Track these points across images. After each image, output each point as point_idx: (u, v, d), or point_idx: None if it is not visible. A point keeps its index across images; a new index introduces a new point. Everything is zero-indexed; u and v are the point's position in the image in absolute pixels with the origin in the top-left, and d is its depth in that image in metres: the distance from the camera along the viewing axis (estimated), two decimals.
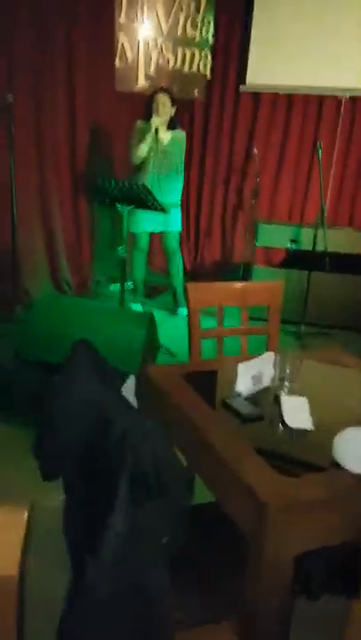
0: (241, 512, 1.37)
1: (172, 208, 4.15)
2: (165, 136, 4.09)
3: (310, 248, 4.16)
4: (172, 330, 3.80)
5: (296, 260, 4.45)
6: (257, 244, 4.53)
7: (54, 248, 4.44)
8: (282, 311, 2.39)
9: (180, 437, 1.65)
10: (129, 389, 1.48)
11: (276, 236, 4.51)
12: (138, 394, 1.64)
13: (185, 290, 2.28)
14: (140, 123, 4.15)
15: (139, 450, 1.21)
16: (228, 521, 1.43)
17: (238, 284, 2.37)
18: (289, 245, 4.40)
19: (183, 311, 4.20)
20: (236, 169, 5.32)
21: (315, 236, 4.12)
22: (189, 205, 5.44)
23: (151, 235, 4.38)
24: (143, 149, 4.06)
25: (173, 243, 4.36)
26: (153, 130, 4.02)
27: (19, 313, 3.83)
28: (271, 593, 1.32)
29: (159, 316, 3.71)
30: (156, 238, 4.60)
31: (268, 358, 1.83)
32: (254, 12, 4.97)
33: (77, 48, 4.43)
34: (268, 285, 2.46)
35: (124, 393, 1.43)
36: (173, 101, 4.14)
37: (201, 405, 1.67)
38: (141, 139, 4.06)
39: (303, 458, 1.47)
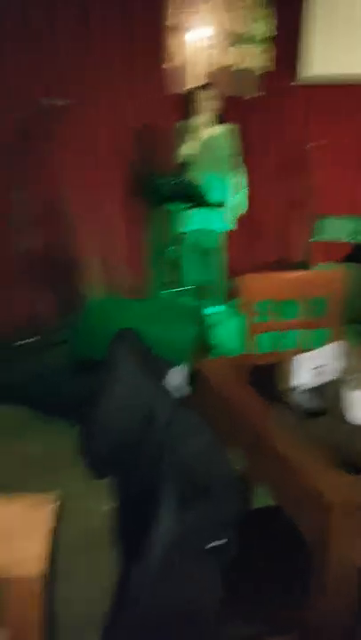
0: (303, 516, 1.23)
1: (219, 206, 4.00)
2: (208, 132, 3.93)
3: None
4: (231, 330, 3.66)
5: (359, 253, 4.23)
6: (315, 239, 4.34)
7: (109, 251, 4.42)
8: (347, 309, 2.22)
9: (236, 435, 1.53)
10: (176, 377, 1.37)
11: (335, 230, 4.31)
12: (188, 387, 1.53)
13: (239, 283, 2.14)
14: (182, 122, 4.02)
15: (179, 449, 1.10)
16: (289, 527, 1.29)
17: (294, 275, 2.23)
18: (350, 238, 4.18)
19: (216, 309, 4.03)
20: (291, 164, 5.14)
21: None
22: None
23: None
24: (186, 148, 3.91)
25: (219, 242, 4.20)
26: (196, 128, 3.89)
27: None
28: (337, 606, 1.17)
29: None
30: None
31: (332, 349, 1.68)
32: (309, 4, 4.80)
33: (128, 50, 4.41)
34: (326, 274, 2.30)
35: (170, 381, 1.33)
36: (216, 97, 3.98)
37: (256, 400, 1.54)
38: (184, 138, 3.92)
39: None
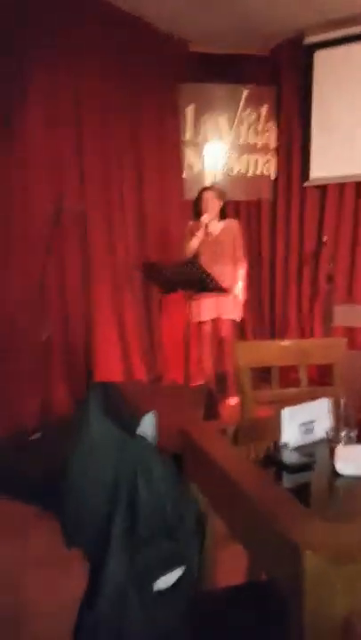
0: (277, 566, 1.11)
1: (226, 297, 4.16)
2: (216, 228, 4.23)
3: None
4: None
5: None
6: (334, 325, 4.30)
7: (126, 341, 4.49)
8: None
9: (217, 497, 1.43)
10: (148, 425, 1.32)
11: (354, 318, 4.28)
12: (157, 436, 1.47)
13: (234, 351, 2.12)
14: (191, 223, 4.34)
15: (135, 490, 1.05)
16: (281, 601, 1.16)
17: (294, 342, 2.18)
18: None
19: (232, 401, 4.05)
20: (308, 259, 5.25)
21: None
22: (263, 299, 5.37)
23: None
24: (195, 243, 4.19)
25: (226, 332, 4.31)
26: (204, 225, 4.18)
27: None
28: None
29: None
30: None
31: (322, 404, 1.61)
32: (313, 111, 5.14)
33: (147, 163, 4.77)
34: (328, 342, 2.25)
35: (143, 429, 1.28)
36: (219, 196, 4.31)
37: (239, 460, 1.46)
38: (192, 235, 4.22)
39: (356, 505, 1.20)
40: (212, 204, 4.24)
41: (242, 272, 4.31)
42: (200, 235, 4.17)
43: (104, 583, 0.95)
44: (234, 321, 4.37)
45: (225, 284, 4.03)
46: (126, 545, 0.96)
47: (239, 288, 4.28)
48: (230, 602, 1.19)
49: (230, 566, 1.83)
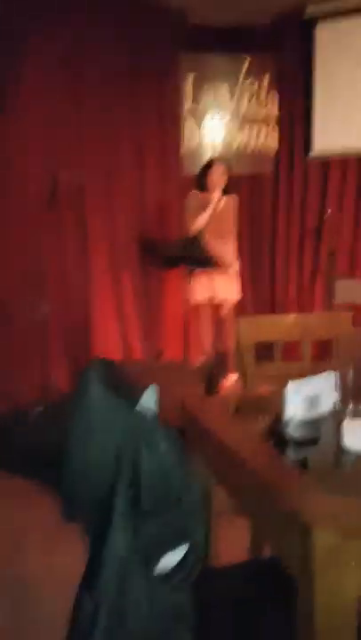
0: (285, 545, 1.07)
1: (227, 275, 4.11)
2: (222, 204, 4.12)
3: None
4: None
5: None
6: (336, 302, 4.25)
7: (125, 319, 4.43)
8: None
9: (221, 471, 1.40)
10: (149, 398, 1.28)
11: (356, 293, 4.22)
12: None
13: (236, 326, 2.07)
14: (196, 193, 4.18)
15: (138, 462, 1.00)
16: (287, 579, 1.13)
17: (298, 316, 2.14)
18: None
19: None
20: (311, 233, 5.18)
21: None
22: (263, 274, 5.31)
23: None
24: (204, 219, 4.07)
25: (224, 309, 4.23)
26: (215, 201, 4.05)
27: None
28: None
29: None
30: None
31: (328, 378, 1.56)
32: (315, 82, 5.02)
33: (146, 134, 4.66)
34: (332, 316, 2.20)
35: (144, 403, 1.24)
36: (224, 173, 4.18)
37: (242, 433, 1.42)
38: (199, 209, 4.08)
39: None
40: (222, 180, 4.11)
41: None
42: (210, 211, 4.05)
43: (105, 560, 0.91)
44: (233, 300, 4.29)
45: (227, 261, 3.97)
46: (130, 517, 0.92)
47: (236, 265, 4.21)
48: (236, 579, 1.16)
49: (232, 541, 1.81)
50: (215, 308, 4.31)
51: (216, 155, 5.17)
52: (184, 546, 0.94)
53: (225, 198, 4.16)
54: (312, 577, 0.98)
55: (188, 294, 4.07)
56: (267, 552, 1.72)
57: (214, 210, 4.09)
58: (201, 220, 4.07)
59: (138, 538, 0.90)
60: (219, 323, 4.33)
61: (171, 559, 0.92)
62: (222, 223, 4.14)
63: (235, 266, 4.19)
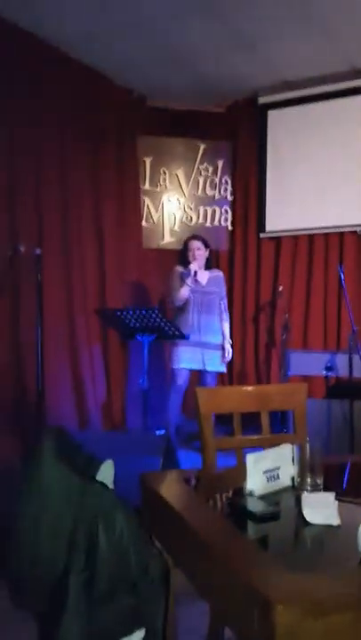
0: (245, 626, 1.03)
1: (213, 348, 4.22)
2: (204, 277, 4.26)
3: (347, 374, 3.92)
4: None
5: (335, 388, 4.17)
6: (290, 374, 4.31)
7: (81, 389, 4.37)
8: (327, 446, 2.12)
9: (180, 551, 1.35)
10: (106, 472, 1.25)
11: (309, 365, 4.30)
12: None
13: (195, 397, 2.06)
14: (179, 268, 4.34)
15: (94, 543, 0.97)
16: None
17: (255, 387, 2.15)
18: (325, 372, 4.15)
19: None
20: (265, 308, 5.32)
21: (350, 361, 3.89)
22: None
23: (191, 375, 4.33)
24: (185, 291, 4.21)
25: (210, 383, 4.28)
26: (193, 273, 4.20)
27: None
28: None
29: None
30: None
31: (286, 451, 1.56)
32: (267, 168, 5.31)
33: (106, 212, 4.79)
34: (289, 387, 2.23)
35: (101, 475, 1.20)
36: (206, 245, 4.37)
37: (201, 510, 1.39)
38: (182, 283, 4.23)
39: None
40: (199, 253, 4.28)
41: (226, 325, 4.37)
42: (190, 283, 4.19)
43: None
44: (218, 373, 4.37)
45: (213, 335, 4.12)
46: (84, 601, 0.87)
47: (229, 341, 4.34)
48: None
49: (191, 626, 1.72)
50: (194, 379, 4.33)
51: (173, 232, 5.36)
52: (141, 632, 0.89)
53: (207, 272, 4.31)
54: None
55: (173, 361, 4.15)
56: (228, 636, 1.64)
57: (197, 283, 4.22)
58: (182, 293, 4.20)
59: (92, 624, 0.85)
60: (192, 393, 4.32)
61: None
62: (206, 297, 4.27)
63: (226, 342, 4.30)
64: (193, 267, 4.20)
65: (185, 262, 4.30)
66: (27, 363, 3.87)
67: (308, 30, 4.15)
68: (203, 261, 4.31)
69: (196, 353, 4.14)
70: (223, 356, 4.29)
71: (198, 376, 4.35)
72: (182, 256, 4.37)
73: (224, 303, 4.40)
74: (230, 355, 4.37)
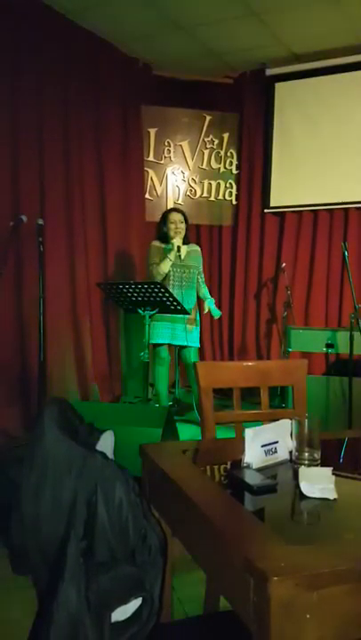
0: (241, 598, 1.05)
1: (190, 323, 4.16)
2: (183, 252, 4.18)
3: (347, 351, 3.91)
4: None
5: (335, 365, 4.18)
6: (290, 350, 4.31)
7: (83, 361, 4.38)
8: (325, 422, 2.12)
9: (178, 521, 1.37)
10: (107, 442, 1.26)
11: (310, 341, 4.29)
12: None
13: (195, 370, 2.07)
14: (157, 243, 4.25)
15: (93, 512, 0.97)
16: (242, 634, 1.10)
17: (256, 363, 2.15)
18: (325, 350, 4.15)
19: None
20: (267, 284, 5.30)
21: (351, 339, 3.89)
22: (222, 322, 5.37)
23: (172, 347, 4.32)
24: (166, 266, 4.12)
25: (193, 357, 4.26)
26: (175, 248, 4.10)
27: None
28: None
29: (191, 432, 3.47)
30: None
31: (284, 426, 1.57)
32: (273, 142, 5.24)
33: (109, 184, 4.74)
34: (289, 364, 2.23)
35: (102, 446, 1.21)
36: (185, 219, 4.26)
37: (199, 480, 1.40)
38: (162, 257, 4.14)
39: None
40: (181, 227, 4.19)
41: (205, 290, 4.34)
42: (172, 258, 4.10)
43: (55, 614, 0.87)
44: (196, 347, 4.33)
45: (191, 309, 4.03)
46: (82, 569, 0.88)
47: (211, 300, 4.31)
48: (191, 634, 1.12)
49: (188, 594, 1.75)
50: (174, 352, 4.33)
51: (177, 205, 5.31)
52: (138, 599, 0.90)
53: (185, 247, 4.22)
54: (268, 630, 0.95)
55: (148, 337, 4.08)
56: (223, 606, 1.68)
57: (177, 258, 4.15)
58: (163, 268, 4.12)
59: (90, 591, 0.86)
60: (185, 368, 4.33)
61: (124, 611, 0.88)
62: (185, 272, 4.21)
63: (196, 315, 4.26)
64: (176, 242, 4.10)
65: (163, 236, 4.21)
66: (29, 334, 3.87)
67: (319, 2, 4.05)
68: (183, 235, 4.19)
69: (171, 328, 4.08)
70: (196, 319, 4.25)
71: (179, 349, 4.33)
72: (160, 230, 4.26)
73: (202, 277, 4.37)
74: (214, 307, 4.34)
